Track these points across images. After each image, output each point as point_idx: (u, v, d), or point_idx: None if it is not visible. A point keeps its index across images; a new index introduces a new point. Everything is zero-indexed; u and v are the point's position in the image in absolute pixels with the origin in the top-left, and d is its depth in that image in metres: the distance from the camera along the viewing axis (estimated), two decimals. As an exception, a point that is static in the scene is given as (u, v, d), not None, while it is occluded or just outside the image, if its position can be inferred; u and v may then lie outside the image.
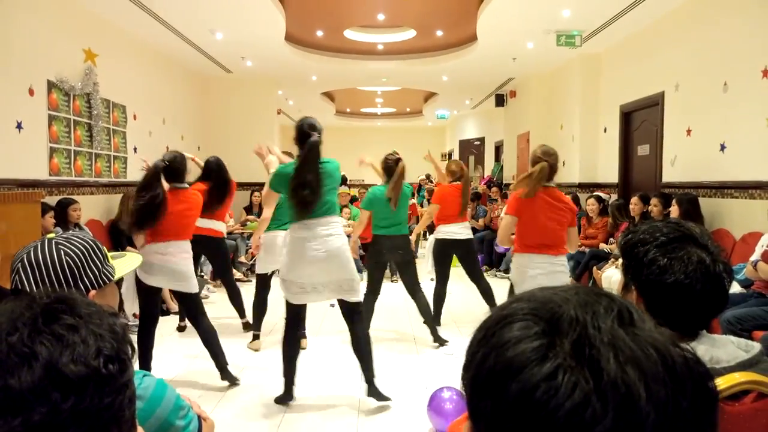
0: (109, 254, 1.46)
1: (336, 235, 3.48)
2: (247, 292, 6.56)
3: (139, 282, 3.87)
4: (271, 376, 4.25)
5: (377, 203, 4.68)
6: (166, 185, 3.81)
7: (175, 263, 3.81)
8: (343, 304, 3.58)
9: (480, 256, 8.62)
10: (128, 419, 0.69)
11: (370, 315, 4.76)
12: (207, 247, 5.18)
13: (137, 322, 5.37)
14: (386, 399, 3.62)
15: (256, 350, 4.81)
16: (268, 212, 4.36)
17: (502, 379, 0.51)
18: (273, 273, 4.88)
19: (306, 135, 3.43)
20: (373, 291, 4.78)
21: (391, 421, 3.49)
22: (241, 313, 5.37)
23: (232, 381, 4.00)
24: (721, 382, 1.15)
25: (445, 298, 5.40)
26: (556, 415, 0.47)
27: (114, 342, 0.68)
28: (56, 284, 1.29)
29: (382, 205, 4.67)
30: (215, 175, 5.16)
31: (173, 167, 3.88)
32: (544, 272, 3.50)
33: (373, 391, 3.60)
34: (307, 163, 3.39)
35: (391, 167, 4.72)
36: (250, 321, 5.20)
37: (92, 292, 1.33)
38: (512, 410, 0.49)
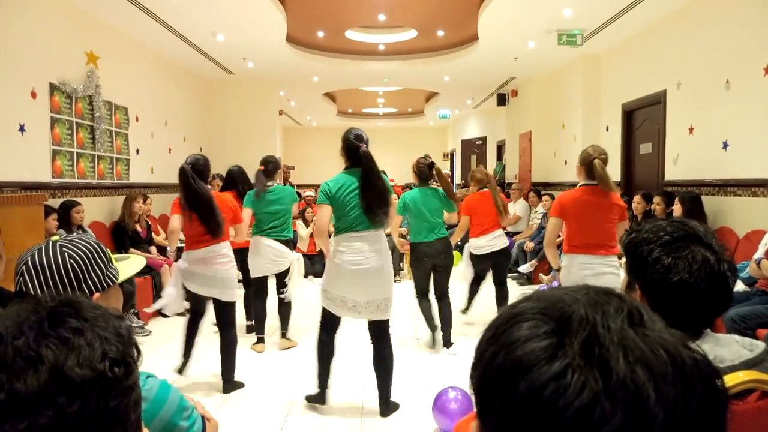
0: (113, 256, 1.47)
1: (385, 250, 3.46)
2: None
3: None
4: (275, 377, 4.25)
5: (411, 207, 4.66)
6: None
7: (214, 270, 3.80)
8: (372, 321, 3.51)
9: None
10: (134, 422, 0.69)
11: (429, 315, 4.84)
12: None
13: (142, 323, 5.44)
14: (397, 409, 3.60)
15: (260, 352, 4.81)
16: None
17: (510, 377, 0.51)
18: (267, 277, 4.89)
19: (355, 147, 3.40)
20: (421, 293, 4.81)
21: (395, 422, 3.49)
22: (249, 315, 5.41)
23: (234, 389, 4.00)
24: (726, 381, 1.15)
25: (477, 291, 5.60)
26: (564, 414, 0.47)
27: (119, 345, 0.68)
28: (60, 287, 1.29)
29: (417, 210, 4.64)
30: (240, 183, 5.26)
31: (196, 169, 3.81)
32: (592, 273, 3.46)
33: (386, 408, 3.56)
34: (372, 172, 3.35)
35: (424, 171, 4.74)
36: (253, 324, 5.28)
37: (96, 295, 1.34)
38: (521, 409, 0.49)
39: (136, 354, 0.71)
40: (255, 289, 4.95)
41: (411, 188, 5.00)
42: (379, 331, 3.51)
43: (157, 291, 5.75)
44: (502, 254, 5.25)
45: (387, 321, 3.52)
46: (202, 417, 1.45)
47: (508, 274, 8.04)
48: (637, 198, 5.90)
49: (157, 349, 4.93)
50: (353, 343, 4.61)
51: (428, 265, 4.68)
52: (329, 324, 3.55)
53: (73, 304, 0.69)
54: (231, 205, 4.03)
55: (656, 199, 5.46)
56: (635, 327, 0.52)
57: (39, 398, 0.60)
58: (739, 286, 4.10)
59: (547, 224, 3.86)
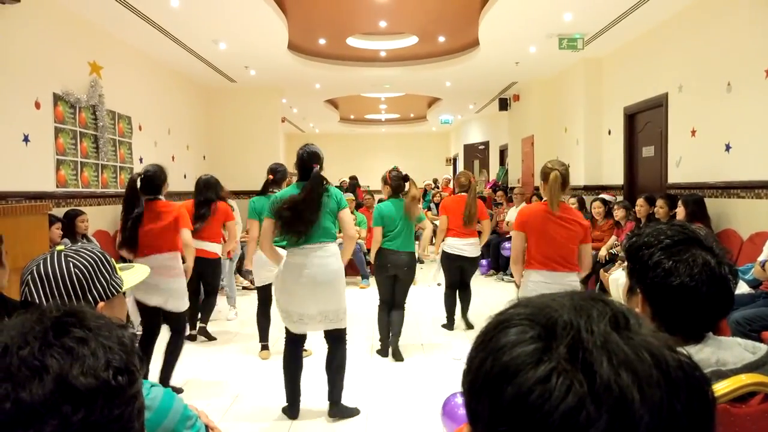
0: (117, 266, 1.48)
1: (329, 263, 3.44)
2: (251, 300, 6.59)
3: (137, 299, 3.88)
4: (278, 385, 4.25)
5: (387, 218, 4.69)
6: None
7: (159, 281, 3.74)
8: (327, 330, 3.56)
9: (486, 261, 8.62)
10: (137, 430, 0.70)
11: (383, 327, 4.80)
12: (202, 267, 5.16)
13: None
14: (352, 414, 3.61)
15: (265, 359, 4.81)
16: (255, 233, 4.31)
17: (498, 382, 0.52)
18: (271, 285, 4.87)
19: (308, 167, 3.44)
20: (384, 302, 4.82)
21: (400, 427, 3.49)
22: (203, 319, 5.41)
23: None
24: (728, 384, 1.15)
25: (455, 302, 5.53)
26: (550, 418, 0.48)
27: (123, 354, 0.69)
28: (65, 296, 1.30)
29: (391, 221, 4.68)
30: (197, 192, 5.19)
31: (148, 179, 3.87)
32: (548, 291, 3.42)
33: (336, 410, 3.58)
34: (306, 198, 3.36)
35: (400, 184, 4.78)
36: (206, 329, 5.40)
37: (101, 304, 1.35)
38: (508, 413, 0.50)
39: (138, 363, 0.72)
40: (260, 297, 4.94)
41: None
42: (333, 338, 3.56)
43: None
44: (470, 262, 5.40)
45: (342, 329, 3.56)
46: (206, 426, 1.45)
47: (505, 278, 8.09)
48: (640, 201, 5.89)
49: (158, 358, 4.92)
50: (353, 353, 4.61)
51: (390, 272, 4.71)
52: (293, 338, 3.58)
53: (77, 314, 0.70)
54: (173, 216, 3.93)
55: (659, 202, 5.46)
56: (620, 330, 0.53)
57: (44, 408, 0.60)
58: (744, 289, 4.08)
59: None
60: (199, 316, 5.41)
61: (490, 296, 7.11)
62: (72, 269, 1.32)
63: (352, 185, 11.53)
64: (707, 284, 1.23)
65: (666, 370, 0.50)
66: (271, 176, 4.85)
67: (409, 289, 4.84)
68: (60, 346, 0.65)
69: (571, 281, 3.46)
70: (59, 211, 5.22)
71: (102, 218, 6.26)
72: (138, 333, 4.63)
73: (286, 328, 3.59)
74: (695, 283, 1.23)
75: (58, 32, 5.54)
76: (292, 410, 3.60)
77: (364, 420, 3.59)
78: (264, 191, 4.79)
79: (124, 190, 6.76)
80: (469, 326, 5.54)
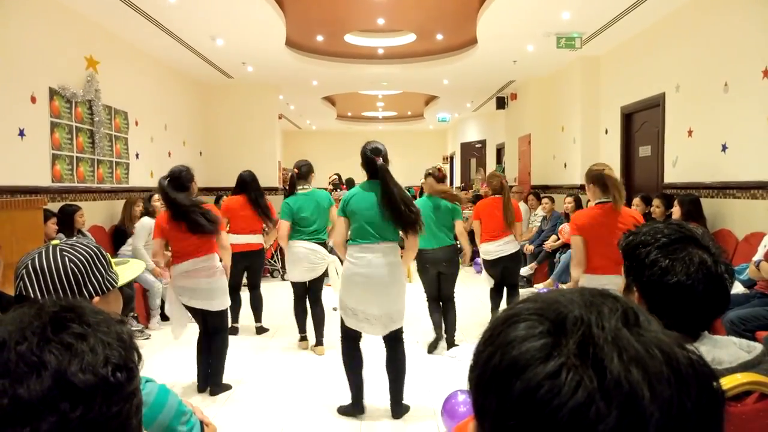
0: (113, 261, 1.47)
1: (397, 263, 3.45)
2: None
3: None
4: (273, 381, 4.25)
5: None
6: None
7: (200, 282, 3.82)
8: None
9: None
10: (135, 427, 0.69)
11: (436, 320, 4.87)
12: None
13: (141, 327, 5.45)
14: (408, 410, 3.61)
15: (304, 349, 4.94)
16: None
17: (506, 377, 0.51)
18: (305, 282, 4.91)
19: (371, 160, 3.44)
20: (431, 298, 4.87)
21: (395, 425, 3.49)
22: (258, 318, 5.57)
23: (221, 392, 4.01)
24: (723, 383, 1.15)
25: (500, 303, 5.46)
26: (559, 413, 0.47)
27: (121, 350, 0.68)
28: (61, 291, 1.30)
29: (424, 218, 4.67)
30: (252, 188, 5.32)
31: (175, 181, 3.85)
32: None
33: (399, 410, 3.56)
34: (388, 185, 3.37)
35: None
36: (264, 326, 5.56)
37: (96, 299, 1.34)
38: (516, 408, 0.50)
39: (137, 359, 0.71)
40: (295, 294, 4.99)
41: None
42: (392, 336, 3.53)
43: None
44: (512, 259, 5.24)
45: (400, 328, 3.55)
46: (201, 422, 1.45)
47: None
48: (636, 201, 5.91)
49: (157, 353, 4.93)
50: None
51: (432, 271, 4.74)
52: (350, 335, 3.56)
53: (76, 309, 0.69)
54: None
55: (655, 202, 5.47)
56: (630, 327, 0.52)
57: (42, 404, 0.60)
58: (739, 288, 4.10)
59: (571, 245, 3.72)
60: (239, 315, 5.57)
61: (486, 296, 7.11)
62: (67, 263, 1.32)
63: (335, 184, 11.55)
64: (704, 283, 1.23)
65: (676, 367, 0.50)
66: (296, 170, 4.87)
67: (455, 281, 4.86)
68: (58, 342, 0.64)
69: (618, 282, 3.45)
70: (54, 206, 5.20)
71: (97, 213, 6.24)
72: (134, 328, 4.64)
73: (341, 325, 3.55)
74: (691, 282, 1.23)
75: (54, 27, 5.51)
76: (357, 407, 3.58)
77: (359, 417, 3.59)
78: (292, 190, 4.82)
79: (122, 186, 6.79)
80: None
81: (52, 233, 4.74)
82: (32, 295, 1.29)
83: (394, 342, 3.54)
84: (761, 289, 4.01)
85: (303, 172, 4.88)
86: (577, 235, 3.53)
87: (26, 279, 1.30)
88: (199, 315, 3.98)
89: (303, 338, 5.02)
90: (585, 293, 0.57)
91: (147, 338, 5.40)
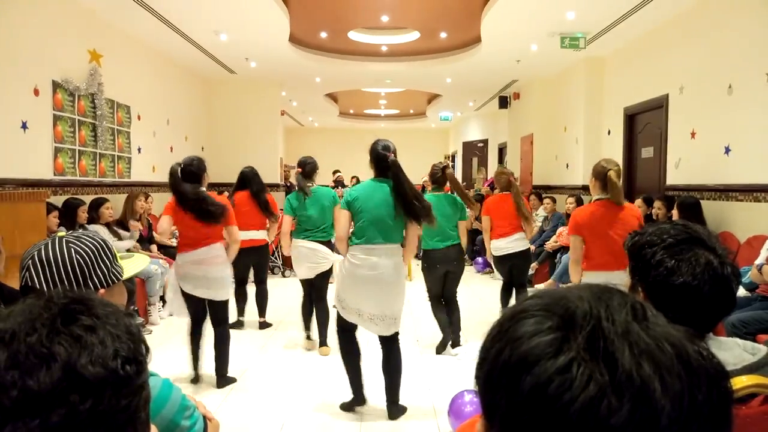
0: (118, 254, 1.47)
1: (400, 264, 3.44)
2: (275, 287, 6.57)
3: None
4: (275, 377, 4.25)
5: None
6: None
7: (206, 270, 3.84)
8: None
9: (482, 259, 8.62)
10: (144, 421, 0.69)
11: (442, 319, 4.82)
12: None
13: (142, 321, 5.46)
14: (404, 411, 3.59)
15: (310, 349, 4.89)
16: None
17: (516, 373, 0.51)
18: (310, 280, 4.85)
19: (383, 156, 3.42)
20: (434, 298, 4.84)
21: (394, 424, 3.49)
22: (262, 312, 5.60)
23: (227, 384, 4.02)
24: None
25: (509, 301, 5.45)
26: (570, 408, 0.47)
27: (131, 343, 0.68)
28: (66, 282, 1.29)
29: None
30: (253, 183, 5.35)
31: (188, 171, 3.85)
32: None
33: (395, 410, 3.55)
34: (401, 180, 3.36)
35: (437, 174, 4.76)
36: (267, 321, 5.59)
37: (101, 291, 1.34)
38: (526, 404, 0.50)
39: (145, 352, 0.71)
40: (304, 291, 4.95)
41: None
42: (389, 336, 3.51)
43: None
44: (521, 257, 5.25)
45: (397, 332, 3.54)
46: (204, 417, 1.45)
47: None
48: (638, 202, 5.90)
49: (157, 347, 4.92)
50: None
51: (440, 271, 4.70)
52: (346, 327, 3.55)
53: (85, 301, 0.69)
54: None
55: (657, 204, 5.46)
56: (639, 321, 0.52)
57: (51, 396, 0.59)
58: (740, 291, 4.10)
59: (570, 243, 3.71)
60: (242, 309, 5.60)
61: (486, 295, 7.12)
62: (73, 255, 1.32)
63: (338, 182, 11.58)
64: (709, 284, 1.23)
65: (687, 360, 0.50)
66: (300, 169, 4.83)
67: (459, 281, 4.84)
68: (68, 334, 0.64)
69: (623, 277, 3.45)
70: (56, 200, 5.20)
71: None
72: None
73: (338, 318, 3.55)
74: (697, 283, 1.23)
75: (58, 20, 5.51)
76: (358, 400, 3.57)
77: (359, 416, 3.59)
78: (300, 188, 4.76)
79: (123, 180, 6.79)
80: None
81: (54, 227, 4.74)
82: (38, 286, 1.29)
83: (390, 342, 3.52)
84: (762, 292, 4.01)
85: (307, 171, 4.82)
86: (575, 235, 3.55)
87: (32, 270, 1.30)
88: (198, 305, 3.98)
89: (308, 337, 4.95)
90: (593, 288, 0.57)
91: (149, 333, 5.40)
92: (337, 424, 3.47)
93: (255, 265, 5.54)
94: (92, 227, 5.35)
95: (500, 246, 5.19)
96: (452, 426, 3.27)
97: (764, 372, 1.20)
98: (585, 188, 8.06)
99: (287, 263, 7.99)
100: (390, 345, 3.51)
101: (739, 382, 1.15)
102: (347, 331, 3.56)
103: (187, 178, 3.85)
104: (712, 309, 1.26)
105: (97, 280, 1.34)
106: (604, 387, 0.47)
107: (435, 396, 3.85)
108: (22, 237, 3.54)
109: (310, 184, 4.79)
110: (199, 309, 4.02)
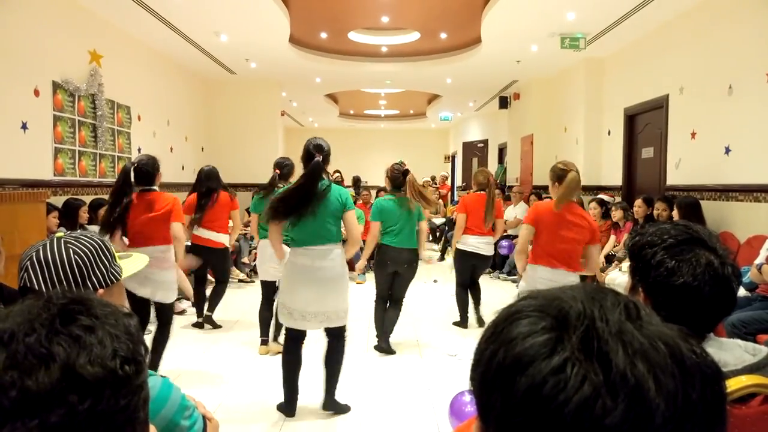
0: (116, 254, 1.47)
1: (333, 266, 3.42)
2: (247, 292, 6.55)
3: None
4: (274, 379, 4.25)
5: (386, 214, 4.63)
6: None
7: (150, 272, 3.71)
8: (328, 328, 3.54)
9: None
10: (143, 421, 0.69)
11: (380, 322, 4.77)
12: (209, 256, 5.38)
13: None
14: (343, 411, 3.60)
15: (263, 354, 4.76)
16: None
17: (510, 374, 0.51)
18: (275, 281, 4.78)
19: (311, 155, 3.40)
20: (381, 297, 4.80)
21: (394, 424, 3.49)
22: (210, 308, 5.47)
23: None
24: (729, 385, 1.15)
25: (468, 299, 5.53)
26: (565, 408, 0.47)
27: (130, 343, 0.68)
28: (65, 283, 1.29)
29: (390, 216, 4.63)
30: (198, 183, 5.28)
31: (142, 170, 3.85)
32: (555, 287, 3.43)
33: (330, 404, 3.57)
34: (301, 187, 3.34)
35: (398, 178, 4.69)
36: (212, 317, 5.45)
37: (100, 291, 1.34)
38: (521, 405, 0.50)
39: (144, 352, 0.71)
40: (263, 292, 4.91)
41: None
42: (334, 334, 3.54)
43: None
44: (484, 260, 5.44)
45: (343, 327, 3.54)
46: (203, 417, 1.45)
47: (507, 276, 8.08)
48: (638, 202, 5.90)
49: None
50: (350, 349, 4.60)
51: (390, 269, 4.68)
52: (293, 336, 3.55)
53: (84, 302, 0.69)
54: (166, 208, 3.90)
55: (659, 205, 5.45)
56: (633, 321, 0.53)
57: (50, 396, 0.60)
58: (740, 291, 4.09)
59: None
60: (206, 304, 5.50)
61: (486, 294, 7.11)
62: (72, 255, 1.32)
63: (337, 182, 11.54)
64: (710, 284, 1.23)
65: (680, 359, 0.50)
66: (277, 171, 4.80)
67: (408, 285, 4.81)
68: (67, 334, 0.64)
69: (571, 281, 3.48)
70: (56, 200, 5.20)
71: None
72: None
73: (285, 327, 3.57)
74: (698, 283, 1.23)
75: (58, 20, 5.51)
76: (289, 408, 3.56)
77: (358, 417, 3.59)
78: (271, 187, 4.71)
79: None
80: (481, 323, 5.47)
81: (54, 227, 4.74)
82: (36, 287, 1.28)
83: (335, 338, 3.55)
84: (762, 292, 4.01)
85: (284, 173, 4.79)
86: (529, 225, 3.65)
87: (30, 271, 1.30)
88: (141, 305, 3.87)
89: (264, 342, 4.83)
90: (586, 288, 0.57)
91: (148, 333, 5.39)
92: (336, 425, 3.47)
93: (211, 264, 5.48)
94: (92, 227, 5.35)
95: (470, 242, 5.29)
96: (453, 426, 3.26)
97: (765, 372, 1.20)
98: (585, 188, 8.06)
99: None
100: (334, 340, 3.54)
101: (739, 382, 1.15)
102: (294, 341, 3.56)
103: (140, 178, 3.85)
104: (713, 309, 1.26)
105: (96, 280, 1.34)
106: (598, 387, 0.47)
107: (434, 396, 3.85)
108: (21, 237, 3.53)
109: (281, 185, 4.72)
110: (144, 310, 3.90)
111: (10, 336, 0.63)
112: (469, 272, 5.44)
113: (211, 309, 5.50)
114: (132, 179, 3.82)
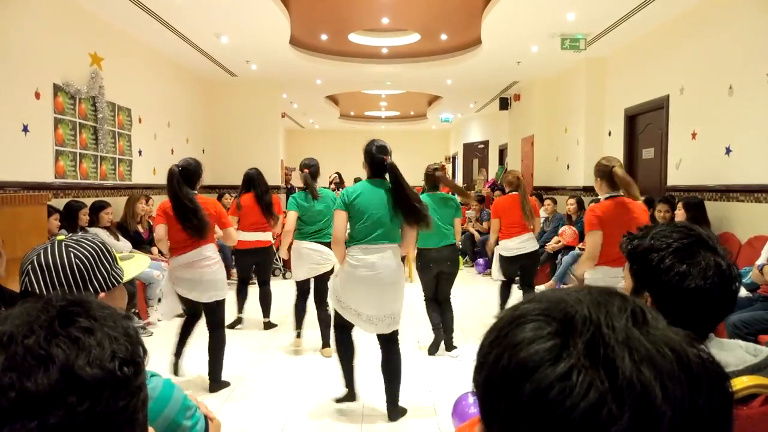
0: (117, 256, 1.47)
1: (398, 264, 3.43)
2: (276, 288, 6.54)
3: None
4: (276, 377, 4.25)
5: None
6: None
7: (199, 273, 3.83)
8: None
9: (483, 260, 8.62)
10: (142, 422, 0.69)
11: (435, 318, 4.81)
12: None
13: (143, 323, 5.46)
14: (404, 413, 3.59)
15: (297, 347, 4.87)
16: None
17: (515, 379, 0.51)
18: (309, 280, 4.85)
19: (380, 159, 3.41)
20: (429, 299, 4.83)
21: (394, 424, 3.48)
22: (265, 313, 5.63)
23: (220, 389, 4.02)
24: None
25: (509, 296, 5.44)
26: (571, 415, 0.47)
27: (128, 345, 0.68)
28: (66, 286, 1.29)
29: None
30: (254, 185, 5.38)
31: (185, 173, 3.85)
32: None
33: (395, 412, 3.54)
34: (401, 183, 3.37)
35: (431, 176, 4.78)
36: (272, 321, 5.62)
37: (101, 294, 1.34)
38: (526, 411, 0.49)
39: (143, 354, 0.71)
40: (298, 291, 4.95)
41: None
42: (389, 337, 3.50)
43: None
44: (531, 257, 5.26)
45: (396, 331, 3.53)
46: (205, 417, 1.45)
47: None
48: (639, 203, 5.89)
49: (158, 350, 4.92)
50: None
51: (434, 271, 4.69)
52: (343, 324, 3.56)
53: (83, 304, 0.69)
54: (213, 210, 3.96)
55: (660, 207, 5.43)
56: (639, 326, 0.52)
57: (49, 398, 0.60)
58: (742, 292, 4.09)
59: (586, 239, 3.67)
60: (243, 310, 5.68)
61: (487, 296, 7.11)
62: (73, 259, 1.32)
63: (337, 183, 11.53)
64: (719, 286, 1.23)
65: (687, 364, 0.50)
66: (306, 170, 4.80)
67: (453, 282, 4.82)
68: (66, 336, 0.64)
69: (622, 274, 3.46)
70: (57, 202, 5.21)
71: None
72: (137, 324, 4.64)
73: (335, 315, 3.56)
74: (709, 286, 1.23)
75: (59, 23, 5.52)
76: (350, 395, 3.62)
77: (358, 418, 3.59)
78: (309, 187, 4.75)
79: (124, 183, 6.80)
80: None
81: (55, 229, 4.75)
82: (38, 291, 1.29)
83: (389, 343, 3.50)
84: (764, 292, 4.00)
85: (313, 173, 4.80)
86: (596, 230, 3.49)
87: (32, 274, 1.30)
88: (195, 303, 3.97)
89: (298, 335, 4.94)
90: (592, 292, 0.56)
91: (150, 335, 5.40)
92: (338, 426, 3.47)
93: (258, 265, 5.57)
94: (92, 230, 5.36)
95: (511, 246, 5.19)
96: (456, 427, 3.26)
97: (766, 373, 1.20)
98: (586, 189, 8.06)
99: (287, 265, 7.98)
100: (390, 346, 3.50)
101: (740, 383, 1.15)
102: (344, 328, 3.59)
103: (185, 181, 3.84)
104: (719, 310, 1.26)
105: (97, 284, 1.34)
106: (604, 394, 0.47)
107: (436, 397, 3.85)
108: (22, 240, 3.54)
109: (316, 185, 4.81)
110: (196, 308, 4.04)
111: (9, 338, 0.63)
112: (516, 274, 5.34)
113: (267, 314, 5.61)
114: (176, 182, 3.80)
